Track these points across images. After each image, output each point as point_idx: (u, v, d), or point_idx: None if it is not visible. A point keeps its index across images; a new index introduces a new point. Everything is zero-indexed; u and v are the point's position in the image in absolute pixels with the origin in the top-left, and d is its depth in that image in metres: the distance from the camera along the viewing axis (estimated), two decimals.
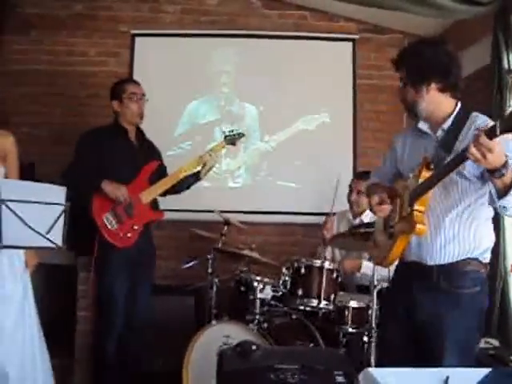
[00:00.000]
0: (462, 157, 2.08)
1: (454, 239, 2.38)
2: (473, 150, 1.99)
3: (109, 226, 3.53)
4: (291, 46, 5.01)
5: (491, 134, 1.94)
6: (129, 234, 3.56)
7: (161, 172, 3.79)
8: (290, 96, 4.97)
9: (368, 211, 3.96)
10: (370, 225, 3.22)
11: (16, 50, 4.91)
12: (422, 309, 2.42)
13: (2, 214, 2.39)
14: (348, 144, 4.94)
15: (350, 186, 4.17)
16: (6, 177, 3.07)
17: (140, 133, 3.82)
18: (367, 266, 3.67)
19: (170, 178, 3.72)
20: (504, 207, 2.17)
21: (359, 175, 4.22)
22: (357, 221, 4.04)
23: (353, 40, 5.01)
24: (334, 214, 4.18)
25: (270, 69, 4.98)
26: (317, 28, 5.03)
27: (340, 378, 2.00)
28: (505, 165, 2.03)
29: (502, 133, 1.92)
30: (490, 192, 2.23)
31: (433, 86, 2.38)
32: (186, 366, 3.24)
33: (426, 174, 2.30)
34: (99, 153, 3.60)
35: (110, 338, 3.60)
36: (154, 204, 3.75)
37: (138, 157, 3.70)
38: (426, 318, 2.41)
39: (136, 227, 3.59)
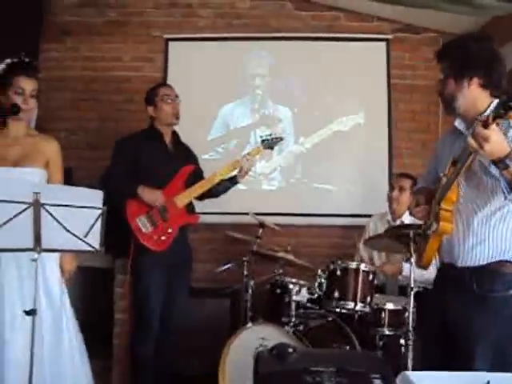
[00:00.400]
0: (468, 150, 2.07)
1: (484, 240, 2.32)
2: (469, 139, 1.99)
3: (143, 229, 3.57)
4: (324, 47, 4.98)
5: (486, 123, 1.94)
6: (163, 237, 3.59)
7: (197, 176, 3.81)
8: (324, 97, 4.95)
9: (408, 213, 3.92)
10: (407, 226, 3.18)
11: (53, 57, 5.00)
12: (454, 311, 2.38)
13: (42, 218, 2.43)
14: (383, 145, 4.89)
15: (392, 183, 4.14)
16: (48, 182, 3.12)
17: (175, 136, 3.85)
18: (408, 269, 3.63)
19: (205, 182, 3.74)
20: None
21: (401, 174, 4.19)
22: (397, 222, 3.99)
23: (387, 40, 4.95)
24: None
25: (304, 70, 4.96)
26: (350, 29, 5.00)
27: (377, 382, 1.98)
28: (508, 155, 2.00)
29: (493, 120, 1.92)
30: (502, 187, 2.18)
31: (475, 80, 2.33)
32: (222, 368, 3.26)
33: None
34: (135, 157, 3.64)
35: (146, 340, 3.63)
36: (190, 207, 3.77)
37: (173, 160, 3.73)
38: (457, 321, 2.37)
39: (170, 230, 3.61)
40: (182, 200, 3.66)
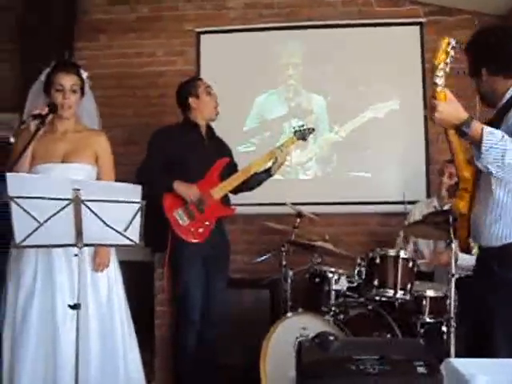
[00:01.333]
0: None
1: (500, 220, 2.32)
2: (426, 112, 2.05)
3: (180, 222, 3.60)
4: (357, 33, 4.93)
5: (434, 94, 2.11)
6: (200, 230, 3.62)
7: (231, 169, 3.82)
8: (358, 84, 4.91)
9: None
10: (445, 212, 3.15)
11: (87, 55, 5.05)
12: (477, 292, 2.42)
13: (82, 214, 2.47)
14: (419, 131, 4.80)
15: (442, 169, 4.10)
16: (98, 178, 3.15)
17: (210, 130, 3.87)
18: (463, 258, 3.59)
19: (241, 174, 3.75)
20: (485, 167, 2.13)
21: (451, 160, 4.14)
22: (445, 208, 3.93)
23: (420, 24, 4.88)
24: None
25: (336, 58, 4.92)
26: (382, 14, 4.93)
27: (421, 369, 1.97)
28: (465, 122, 2.09)
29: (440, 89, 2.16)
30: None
31: (483, 72, 2.39)
32: (264, 358, 3.27)
33: None
34: (171, 150, 3.67)
35: (187, 332, 3.67)
36: (226, 200, 3.79)
37: (208, 153, 3.74)
38: (478, 302, 2.40)
39: (208, 223, 3.64)
40: (218, 192, 3.67)
